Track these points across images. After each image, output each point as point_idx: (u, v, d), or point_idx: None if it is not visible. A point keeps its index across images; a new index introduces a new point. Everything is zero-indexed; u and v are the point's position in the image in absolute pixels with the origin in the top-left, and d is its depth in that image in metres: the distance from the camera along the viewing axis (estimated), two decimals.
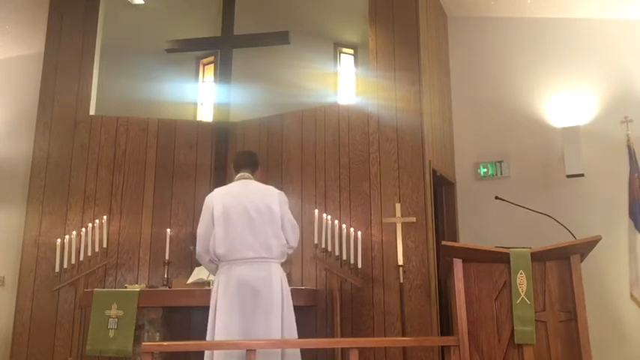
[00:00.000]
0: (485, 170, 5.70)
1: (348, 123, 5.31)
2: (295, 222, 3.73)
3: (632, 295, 4.76)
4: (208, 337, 3.47)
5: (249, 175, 3.74)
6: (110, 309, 4.49)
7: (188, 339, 4.94)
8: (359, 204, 5.10)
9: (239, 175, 3.74)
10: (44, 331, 5.22)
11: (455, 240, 5.53)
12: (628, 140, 5.01)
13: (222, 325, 3.38)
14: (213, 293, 3.53)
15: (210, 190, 3.76)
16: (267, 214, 3.55)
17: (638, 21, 5.29)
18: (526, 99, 5.65)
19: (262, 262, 3.50)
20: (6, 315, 5.50)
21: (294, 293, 3.79)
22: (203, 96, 7.80)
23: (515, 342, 3.14)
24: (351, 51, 7.66)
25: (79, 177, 5.57)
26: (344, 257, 4.84)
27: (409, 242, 4.82)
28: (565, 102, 5.49)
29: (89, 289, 4.81)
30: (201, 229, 3.61)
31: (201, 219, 3.63)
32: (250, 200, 3.56)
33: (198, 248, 3.62)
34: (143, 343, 3.24)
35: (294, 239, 3.68)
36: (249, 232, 3.49)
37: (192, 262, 5.37)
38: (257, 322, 3.41)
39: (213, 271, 3.68)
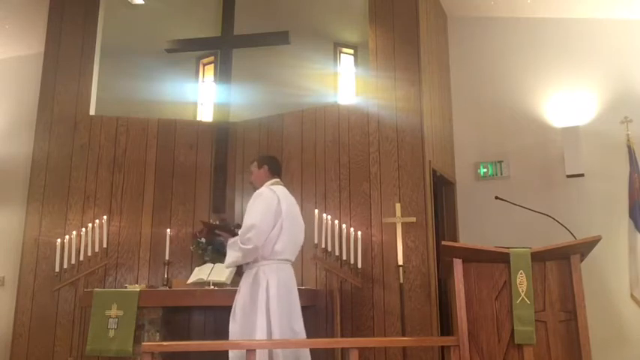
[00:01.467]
0: (485, 170, 5.70)
1: (348, 123, 5.31)
2: None
3: (632, 295, 4.76)
4: (253, 336, 3.38)
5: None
6: (110, 309, 4.49)
7: (188, 339, 4.95)
8: (359, 204, 5.10)
9: (276, 180, 3.84)
10: (44, 331, 5.22)
11: (455, 240, 5.53)
12: (628, 140, 5.01)
13: (280, 323, 3.44)
14: (260, 291, 3.48)
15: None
16: (301, 221, 3.86)
17: (638, 21, 5.28)
18: (526, 99, 5.65)
19: (290, 264, 3.73)
20: (6, 315, 5.49)
21: None
22: (203, 96, 7.79)
23: (515, 342, 3.14)
24: (351, 51, 7.65)
25: (79, 177, 5.57)
26: (344, 257, 4.84)
27: (409, 242, 4.82)
28: (565, 102, 5.48)
29: (89, 289, 4.80)
30: (265, 222, 3.52)
31: (264, 212, 3.54)
32: (296, 206, 3.81)
33: (257, 241, 3.48)
34: (143, 343, 3.24)
35: None
36: (297, 235, 3.75)
37: (193, 262, 5.38)
38: (299, 321, 3.61)
39: (235, 265, 3.73)
